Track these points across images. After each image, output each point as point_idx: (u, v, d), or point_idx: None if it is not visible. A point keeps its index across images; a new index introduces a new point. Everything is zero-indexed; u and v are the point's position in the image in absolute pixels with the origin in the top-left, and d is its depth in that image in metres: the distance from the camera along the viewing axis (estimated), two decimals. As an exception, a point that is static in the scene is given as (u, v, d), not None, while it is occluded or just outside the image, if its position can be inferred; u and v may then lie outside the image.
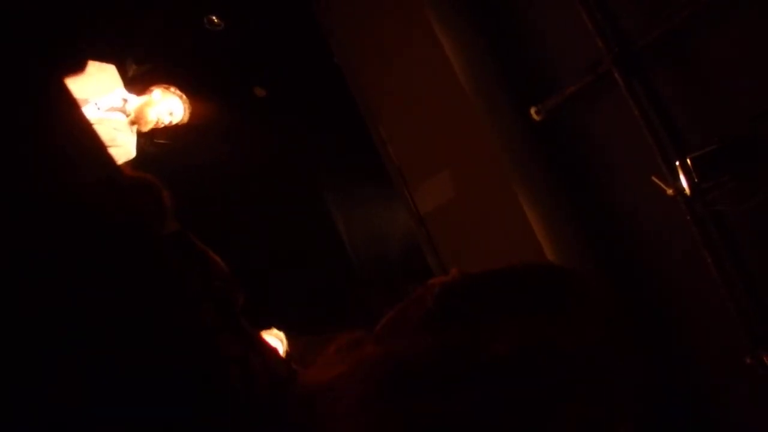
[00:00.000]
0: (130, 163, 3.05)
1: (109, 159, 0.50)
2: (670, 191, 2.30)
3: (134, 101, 3.15)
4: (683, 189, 2.25)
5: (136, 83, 3.25)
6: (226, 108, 3.72)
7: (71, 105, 0.49)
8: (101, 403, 0.38)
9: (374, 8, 2.89)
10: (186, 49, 3.51)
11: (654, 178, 2.32)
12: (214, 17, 3.46)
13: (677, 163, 2.25)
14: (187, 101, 3.28)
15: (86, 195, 0.44)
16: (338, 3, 3.05)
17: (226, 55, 3.71)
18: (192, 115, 3.29)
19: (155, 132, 3.27)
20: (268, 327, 3.02)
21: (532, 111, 2.66)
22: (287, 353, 2.93)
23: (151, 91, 3.20)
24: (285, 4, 3.42)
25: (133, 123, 3.11)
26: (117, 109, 3.07)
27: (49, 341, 0.37)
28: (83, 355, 0.38)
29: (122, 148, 3.05)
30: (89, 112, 2.95)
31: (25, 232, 0.41)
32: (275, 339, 2.98)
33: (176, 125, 3.27)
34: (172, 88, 3.24)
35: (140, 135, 3.17)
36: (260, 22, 3.61)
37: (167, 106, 3.20)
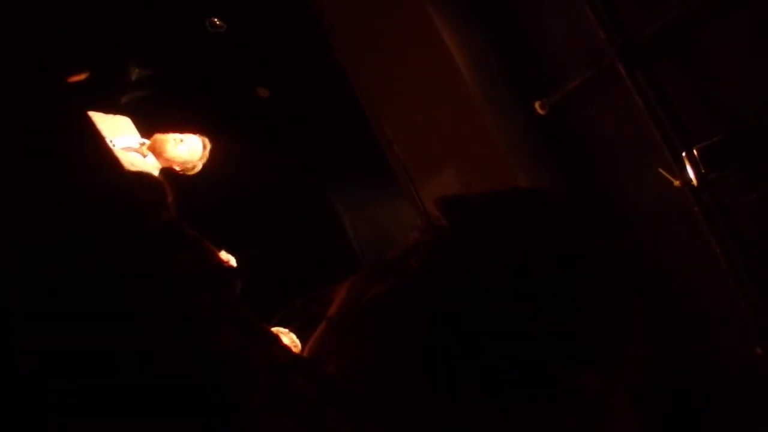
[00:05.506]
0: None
1: (113, 156, 0.49)
2: (677, 183, 2.28)
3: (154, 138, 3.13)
4: (690, 180, 2.24)
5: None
6: (229, 110, 3.72)
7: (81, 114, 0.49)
8: (82, 400, 0.38)
9: (375, 6, 2.89)
10: (188, 52, 3.52)
11: (661, 170, 2.31)
12: (215, 19, 3.47)
13: (684, 154, 2.24)
14: (208, 144, 3.22)
15: (86, 187, 0.44)
16: (339, 2, 3.05)
17: (228, 57, 3.72)
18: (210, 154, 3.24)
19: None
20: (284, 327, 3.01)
21: (537, 105, 2.65)
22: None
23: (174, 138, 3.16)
24: (286, 5, 3.42)
25: (150, 149, 3.08)
26: (133, 149, 3.06)
27: (29, 334, 0.37)
28: (66, 346, 0.37)
29: None
30: None
31: (23, 225, 0.40)
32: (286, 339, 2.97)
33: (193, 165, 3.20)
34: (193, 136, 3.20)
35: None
36: (262, 23, 3.62)
37: (188, 144, 3.17)
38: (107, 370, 0.39)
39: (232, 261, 2.80)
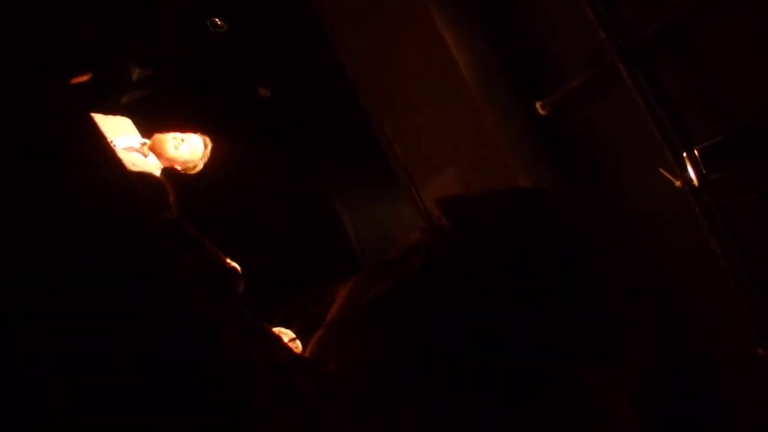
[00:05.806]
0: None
1: (114, 156, 0.49)
2: (678, 183, 2.28)
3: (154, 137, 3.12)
4: (691, 180, 2.24)
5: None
6: (229, 110, 3.72)
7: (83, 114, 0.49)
8: (82, 401, 0.38)
9: (375, 6, 2.89)
10: (188, 52, 3.52)
11: (661, 170, 2.31)
12: (217, 19, 3.47)
13: (684, 154, 2.23)
14: (209, 143, 3.22)
15: (88, 186, 0.44)
16: (339, 2, 3.05)
17: (228, 57, 3.72)
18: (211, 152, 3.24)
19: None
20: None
21: (538, 105, 2.65)
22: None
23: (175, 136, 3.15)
24: (286, 5, 3.42)
25: (150, 149, 3.07)
26: (134, 149, 3.06)
27: (29, 334, 0.37)
28: (66, 347, 0.37)
29: None
30: None
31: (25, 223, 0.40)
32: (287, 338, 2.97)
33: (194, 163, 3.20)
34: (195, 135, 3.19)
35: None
36: (262, 23, 3.62)
37: (189, 143, 3.16)
38: (107, 370, 0.39)
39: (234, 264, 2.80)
